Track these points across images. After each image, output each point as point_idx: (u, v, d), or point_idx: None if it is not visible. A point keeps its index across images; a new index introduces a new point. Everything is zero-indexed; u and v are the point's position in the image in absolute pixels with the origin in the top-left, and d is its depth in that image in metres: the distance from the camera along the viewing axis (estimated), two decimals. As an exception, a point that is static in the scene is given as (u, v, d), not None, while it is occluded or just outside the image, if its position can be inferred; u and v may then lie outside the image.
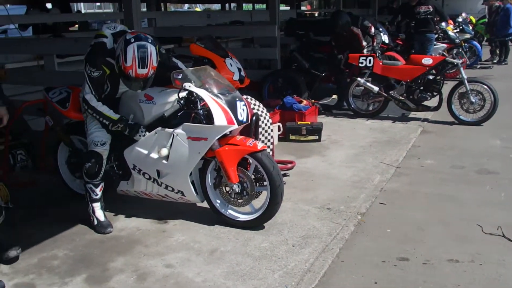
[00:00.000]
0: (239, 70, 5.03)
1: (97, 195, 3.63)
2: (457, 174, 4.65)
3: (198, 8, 28.64)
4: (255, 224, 3.53)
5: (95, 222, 3.59)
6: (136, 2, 4.21)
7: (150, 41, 3.29)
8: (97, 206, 3.64)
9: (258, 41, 9.70)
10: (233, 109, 3.38)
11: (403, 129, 6.23)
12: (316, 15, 18.91)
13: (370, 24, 7.37)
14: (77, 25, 10.27)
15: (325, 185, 4.35)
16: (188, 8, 29.88)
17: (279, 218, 3.61)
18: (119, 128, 3.42)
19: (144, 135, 3.47)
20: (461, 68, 6.42)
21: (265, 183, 3.42)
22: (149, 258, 3.19)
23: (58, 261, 3.18)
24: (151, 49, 3.26)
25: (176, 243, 3.39)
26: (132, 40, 3.24)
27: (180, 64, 3.89)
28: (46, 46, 5.18)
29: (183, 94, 3.36)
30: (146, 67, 3.24)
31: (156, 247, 3.34)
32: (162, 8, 17.01)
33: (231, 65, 4.97)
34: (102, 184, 3.66)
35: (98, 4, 21.26)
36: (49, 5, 8.10)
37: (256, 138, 4.44)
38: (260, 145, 3.40)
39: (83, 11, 20.01)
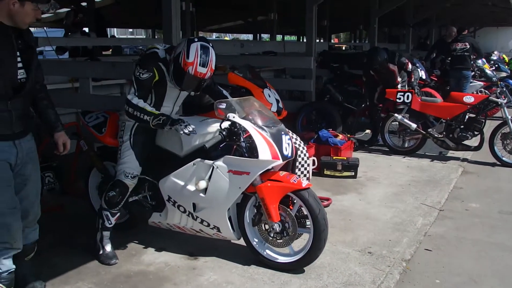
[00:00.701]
0: (277, 101, 4.87)
1: (111, 224, 3.48)
2: (508, 221, 4.34)
3: (227, 37, 28.97)
4: (293, 268, 3.29)
5: (101, 251, 3.44)
6: (176, 30, 4.11)
7: (211, 46, 3.26)
8: (107, 235, 3.49)
9: (290, 72, 9.61)
10: (278, 143, 3.19)
11: (442, 168, 5.94)
12: (344, 48, 18.86)
13: (407, 61, 7.18)
14: (110, 50, 10.35)
15: (364, 226, 4.10)
16: (216, 37, 30.26)
17: (317, 260, 3.35)
18: (160, 121, 3.17)
19: (188, 130, 3.13)
20: (505, 108, 6.16)
21: (307, 224, 3.20)
22: (179, 298, 2.98)
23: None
24: (213, 52, 3.25)
25: (207, 283, 3.17)
26: (196, 40, 3.24)
27: (224, 92, 3.78)
28: (82, 69, 5.11)
29: (225, 124, 3.18)
30: (206, 67, 3.19)
31: (186, 286, 3.12)
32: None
33: (269, 96, 4.82)
34: (119, 214, 3.51)
35: (130, 30, 21.66)
36: (86, 29, 8.15)
37: (293, 172, 4.26)
38: (305, 183, 3.19)
39: (116, 36, 20.38)
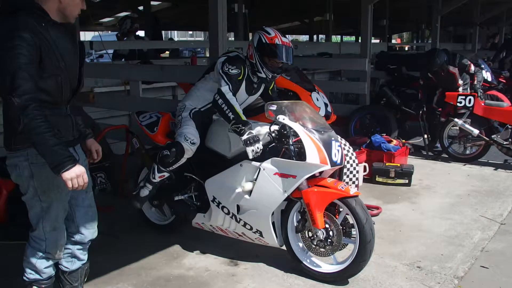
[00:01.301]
0: (326, 105, 4.74)
1: (154, 179, 3.55)
2: None
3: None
4: (335, 279, 3.16)
5: (134, 192, 3.60)
6: (222, 31, 4.08)
7: None
8: (148, 186, 3.60)
9: (346, 74, 9.39)
10: (328, 148, 3.09)
11: (507, 178, 5.55)
12: (407, 49, 18.25)
13: (469, 62, 6.78)
14: (167, 52, 10.53)
15: (415, 238, 3.88)
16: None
17: (361, 273, 3.19)
18: (238, 129, 3.15)
19: (256, 153, 3.09)
20: None
21: (353, 234, 3.07)
22: (216, 306, 2.92)
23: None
24: None
25: (245, 291, 3.10)
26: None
27: (275, 96, 3.86)
28: (132, 72, 5.21)
29: (275, 127, 3.16)
30: (287, 39, 3.48)
31: (224, 293, 3.07)
32: (249, 38, 17.25)
33: (318, 100, 4.69)
34: (166, 175, 3.56)
35: (190, 32, 22.03)
36: (142, 33, 8.33)
37: (340, 179, 4.12)
38: (353, 190, 3.08)
39: (176, 39, 20.80)
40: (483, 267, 3.43)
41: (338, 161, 3.15)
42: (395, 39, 29.01)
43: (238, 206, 3.34)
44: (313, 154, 3.02)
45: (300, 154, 3.08)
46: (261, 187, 3.19)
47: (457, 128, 6.23)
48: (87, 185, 2.48)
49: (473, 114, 6.12)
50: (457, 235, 3.92)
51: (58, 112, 2.36)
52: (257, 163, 3.20)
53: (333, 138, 3.20)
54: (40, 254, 2.50)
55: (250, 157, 3.09)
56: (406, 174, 5.20)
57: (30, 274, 2.53)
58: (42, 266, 2.53)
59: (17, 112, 2.13)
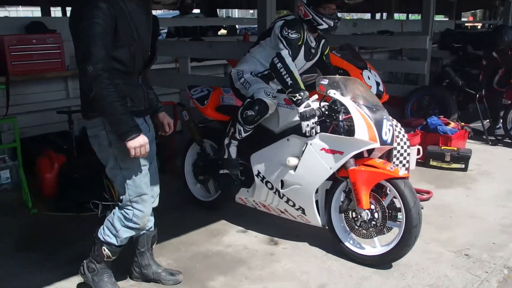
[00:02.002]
0: (377, 84, 4.56)
1: (241, 137, 3.44)
2: None
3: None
4: (376, 263, 3.07)
5: (225, 156, 3.55)
6: (271, 7, 4.01)
7: None
8: (235, 144, 3.52)
9: (407, 53, 9.00)
10: (379, 126, 2.98)
11: None
12: (479, 27, 17.23)
13: None
14: (225, 30, 10.53)
15: (466, 225, 3.69)
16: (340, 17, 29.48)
17: (404, 258, 3.07)
18: (294, 98, 3.04)
19: (311, 128, 3.03)
20: None
21: (399, 219, 2.97)
22: (251, 283, 2.92)
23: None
24: None
25: (282, 270, 3.07)
26: None
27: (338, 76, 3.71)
28: (181, 49, 5.24)
29: (325, 102, 3.08)
30: None
31: (260, 271, 3.06)
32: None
33: (369, 78, 4.52)
34: (250, 133, 3.44)
35: (251, 11, 21.98)
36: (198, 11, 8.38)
37: (389, 161, 3.97)
38: (402, 172, 2.97)
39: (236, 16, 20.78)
40: (537, 258, 3.22)
41: (389, 141, 3.04)
42: (466, 17, 27.51)
43: (282, 182, 3.31)
44: (363, 130, 2.93)
45: (350, 132, 2.99)
46: (307, 162, 3.14)
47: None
48: (153, 155, 2.63)
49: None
50: (511, 224, 3.69)
51: (130, 82, 2.45)
52: (304, 138, 3.15)
53: (385, 117, 3.08)
54: (126, 223, 2.59)
55: (304, 131, 3.04)
56: (462, 158, 4.94)
57: (107, 237, 2.62)
58: (124, 235, 2.62)
59: (89, 80, 2.24)
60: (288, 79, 3.11)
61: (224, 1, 11.38)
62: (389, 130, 3.06)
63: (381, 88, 4.55)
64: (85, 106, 2.46)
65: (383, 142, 2.99)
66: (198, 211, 3.97)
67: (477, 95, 6.15)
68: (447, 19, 15.15)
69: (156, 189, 2.78)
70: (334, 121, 3.06)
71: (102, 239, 2.63)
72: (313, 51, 3.60)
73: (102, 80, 2.23)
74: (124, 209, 2.58)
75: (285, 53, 3.22)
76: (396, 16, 13.97)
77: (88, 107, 2.43)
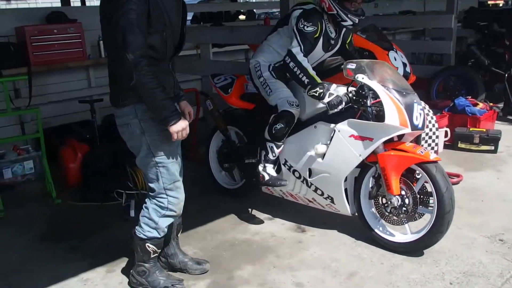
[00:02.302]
0: (404, 65, 4.43)
1: (275, 156, 3.36)
2: None
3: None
4: (407, 250, 3.00)
5: (266, 178, 3.37)
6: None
7: None
8: (270, 166, 3.39)
9: (430, 33, 8.77)
10: (410, 110, 2.88)
11: None
12: (501, 5, 16.74)
13: None
14: (243, 16, 10.40)
15: (499, 209, 3.58)
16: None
17: (436, 245, 2.98)
18: (316, 93, 3.00)
19: (337, 109, 2.98)
20: None
21: (431, 204, 2.87)
22: (279, 272, 2.87)
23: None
24: None
25: (311, 258, 3.02)
26: None
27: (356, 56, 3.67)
28: (202, 35, 5.17)
29: (352, 87, 2.98)
30: None
31: (288, 260, 3.01)
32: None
33: (395, 59, 4.40)
34: (283, 146, 3.37)
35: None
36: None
37: (418, 144, 3.87)
38: (433, 156, 2.86)
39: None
40: None
41: (420, 125, 2.94)
42: (489, -6, 26.78)
43: (310, 170, 3.24)
44: (393, 115, 2.83)
45: (379, 117, 2.90)
46: (335, 149, 3.07)
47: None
48: (178, 143, 2.61)
49: None
50: (547, 207, 3.57)
51: (162, 69, 2.42)
52: (332, 125, 3.08)
53: (415, 101, 2.97)
54: (163, 212, 2.57)
55: (331, 111, 2.98)
56: (492, 140, 4.79)
57: (148, 232, 2.60)
58: (164, 224, 2.60)
59: (130, 67, 2.20)
60: (304, 78, 3.07)
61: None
62: (420, 114, 2.96)
63: (408, 69, 4.43)
64: (116, 94, 2.43)
65: (414, 127, 2.89)
66: (223, 198, 3.93)
67: (506, 75, 5.95)
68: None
69: (181, 178, 2.73)
70: (362, 107, 2.97)
71: (144, 237, 2.60)
72: (332, 42, 3.46)
73: (142, 68, 2.21)
74: (157, 198, 2.56)
75: (296, 50, 3.13)
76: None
77: (119, 95, 2.41)
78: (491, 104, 5.49)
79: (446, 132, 4.81)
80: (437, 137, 4.29)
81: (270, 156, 3.37)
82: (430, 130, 4.23)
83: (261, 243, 3.23)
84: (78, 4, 11.76)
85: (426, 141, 4.20)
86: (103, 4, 2.34)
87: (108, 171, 4.04)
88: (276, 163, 3.42)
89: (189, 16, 7.95)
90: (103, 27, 2.36)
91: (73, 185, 4.26)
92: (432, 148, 4.22)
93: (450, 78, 6.34)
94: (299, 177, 3.31)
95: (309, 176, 3.25)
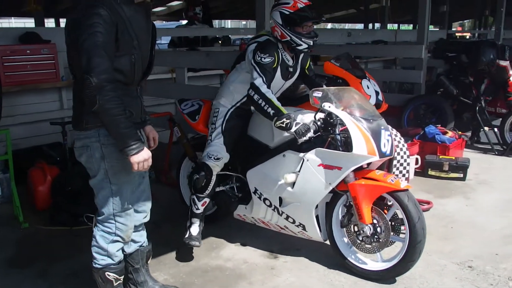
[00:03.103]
0: (377, 93, 4.51)
1: (198, 209, 3.40)
2: None
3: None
4: (380, 278, 3.01)
5: (186, 235, 3.37)
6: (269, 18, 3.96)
7: None
8: (195, 222, 3.41)
9: (402, 63, 9.00)
10: (377, 138, 2.90)
11: None
12: (468, 37, 17.35)
13: None
14: (220, 41, 10.49)
15: (468, 236, 3.64)
16: (331, 28, 29.61)
17: (407, 271, 3.01)
18: (283, 124, 2.97)
19: (305, 138, 2.97)
20: None
21: (402, 231, 2.90)
22: (252, 299, 2.85)
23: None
24: None
25: (283, 285, 3.00)
26: None
27: (324, 86, 3.60)
28: (178, 59, 5.19)
29: (320, 115, 2.98)
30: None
31: (261, 286, 2.98)
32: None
33: (368, 88, 4.47)
34: (207, 200, 3.41)
35: (243, 22, 21.99)
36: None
37: (389, 171, 3.92)
38: (403, 184, 2.88)
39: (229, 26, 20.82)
40: (542, 270, 3.17)
41: (388, 152, 2.97)
42: (455, 27, 27.74)
43: (280, 199, 3.22)
44: (361, 144, 2.85)
45: (347, 144, 2.91)
46: (305, 179, 3.05)
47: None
48: (146, 171, 2.52)
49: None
50: (514, 234, 3.65)
51: (129, 93, 2.36)
52: (301, 154, 3.07)
53: (382, 127, 3.00)
54: (111, 237, 2.51)
55: (299, 140, 2.97)
56: (461, 167, 4.91)
57: (102, 260, 2.53)
58: (114, 249, 2.53)
59: (93, 92, 2.13)
60: (269, 109, 3.04)
61: (220, 12, 11.35)
62: (388, 140, 2.98)
63: (380, 97, 4.51)
64: (79, 117, 2.36)
65: (382, 154, 2.91)
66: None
67: (477, 108, 6.14)
68: (437, 29, 15.24)
69: (149, 204, 2.71)
70: (331, 135, 2.97)
71: (99, 266, 2.54)
72: (291, 69, 3.46)
73: (106, 92, 2.14)
74: (105, 224, 2.50)
75: (258, 82, 3.11)
76: (389, 26, 14.01)
77: (82, 118, 2.33)
78: (460, 132, 5.64)
79: (417, 159, 4.91)
80: (408, 164, 4.37)
81: (194, 209, 3.38)
82: (402, 157, 4.31)
83: (233, 270, 3.20)
84: (53, 25, 11.68)
85: (397, 168, 4.27)
86: (69, 25, 2.28)
87: (78, 195, 3.96)
88: (201, 218, 3.42)
89: (166, 40, 7.98)
90: (69, 49, 2.29)
91: (42, 209, 4.16)
92: (404, 175, 4.29)
93: (421, 107, 6.51)
94: (270, 205, 3.29)
95: (280, 205, 3.23)
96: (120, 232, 2.51)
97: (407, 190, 2.89)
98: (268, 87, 3.15)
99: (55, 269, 3.22)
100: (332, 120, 2.94)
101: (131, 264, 2.75)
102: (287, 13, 3.19)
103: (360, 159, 2.88)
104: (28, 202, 4.21)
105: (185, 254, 3.40)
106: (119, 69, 2.26)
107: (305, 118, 3.15)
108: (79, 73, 2.20)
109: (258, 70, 3.15)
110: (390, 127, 4.06)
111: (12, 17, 18.96)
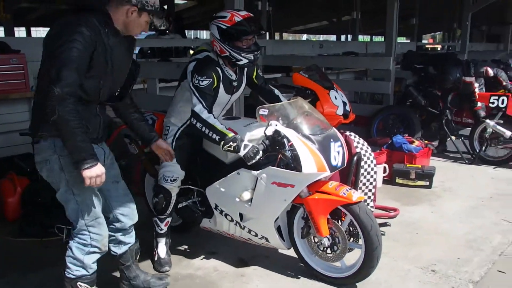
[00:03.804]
0: (344, 104, 4.62)
1: (162, 229, 3.43)
2: None
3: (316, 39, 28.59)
4: (345, 283, 3.09)
5: (155, 258, 3.40)
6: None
7: None
8: (161, 241, 3.43)
9: (372, 74, 9.23)
10: (326, 152, 2.92)
11: (534, 181, 5.35)
12: (439, 49, 17.84)
13: (484, 68, 6.67)
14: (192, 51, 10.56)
15: (432, 241, 3.76)
16: (307, 39, 30.00)
17: (373, 276, 3.08)
18: (231, 147, 2.88)
19: (255, 160, 2.90)
20: None
21: (360, 240, 2.97)
22: (221, 306, 2.89)
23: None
24: None
25: (253, 292, 3.06)
26: None
27: (276, 91, 3.62)
28: (149, 70, 5.24)
29: (269, 132, 2.93)
30: (243, 11, 3.17)
31: (230, 293, 3.03)
32: (278, 37, 17.13)
33: (336, 98, 4.58)
34: (169, 219, 3.44)
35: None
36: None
37: (357, 180, 4.02)
38: (355, 196, 2.91)
39: (205, 37, 20.90)
40: (500, 271, 3.30)
41: (339, 164, 2.99)
42: (427, 39, 28.43)
43: (240, 214, 3.23)
44: (309, 163, 2.83)
45: (298, 160, 2.87)
46: (260, 196, 3.05)
47: (490, 130, 5.99)
48: (117, 175, 2.65)
49: (507, 115, 5.91)
50: (475, 239, 3.79)
51: (88, 110, 2.41)
52: (255, 172, 3.05)
53: (331, 140, 3.00)
54: (87, 249, 2.53)
55: (250, 162, 2.91)
56: (427, 176, 5.06)
57: (76, 271, 2.55)
58: (90, 261, 2.56)
59: (54, 102, 2.18)
60: (214, 135, 2.94)
61: (192, 23, 11.43)
62: (338, 152, 2.98)
63: (347, 107, 4.62)
64: (36, 124, 2.41)
65: (333, 168, 2.93)
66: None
67: (444, 120, 6.34)
68: (408, 41, 15.64)
69: (133, 206, 2.78)
70: (280, 152, 2.94)
71: (72, 276, 2.56)
72: (235, 83, 3.32)
73: (67, 105, 2.19)
74: (79, 236, 2.53)
75: (198, 108, 2.98)
76: (361, 38, 14.31)
77: (39, 125, 2.38)
78: (426, 142, 5.81)
79: (384, 168, 5.04)
80: (375, 172, 4.47)
81: (158, 230, 3.42)
82: (369, 166, 4.41)
83: (204, 278, 3.24)
84: (24, 34, 11.57)
85: (364, 177, 4.37)
86: (49, 36, 2.33)
87: (48, 206, 3.94)
88: (167, 236, 3.45)
89: (136, 50, 7.97)
90: (43, 58, 2.34)
91: (12, 220, 4.12)
92: (371, 184, 4.39)
93: (389, 117, 6.68)
94: (232, 220, 3.29)
95: (241, 220, 3.24)
96: (95, 242, 2.54)
97: (360, 202, 2.91)
98: (210, 111, 3.03)
99: (25, 280, 3.21)
100: (280, 138, 2.88)
101: (122, 263, 2.84)
102: (224, 27, 3.06)
103: (311, 177, 2.89)
104: (-3, 213, 4.18)
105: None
106: (84, 88, 2.32)
107: (254, 134, 3.12)
108: (46, 83, 2.25)
109: (197, 94, 3.02)
110: (355, 135, 4.17)
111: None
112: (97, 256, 2.60)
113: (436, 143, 6.44)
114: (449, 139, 6.31)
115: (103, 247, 2.60)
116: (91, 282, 2.61)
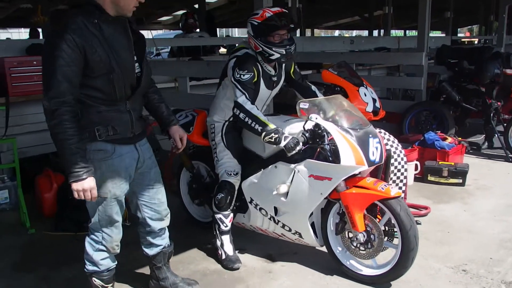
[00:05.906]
0: (374, 100, 4.58)
1: (226, 226, 3.45)
2: None
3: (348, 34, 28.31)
4: (375, 282, 3.07)
5: (223, 256, 3.40)
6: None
7: None
8: (226, 239, 3.45)
9: (405, 69, 9.07)
10: (365, 147, 2.93)
11: None
12: (476, 42, 17.39)
13: None
14: (224, 49, 10.63)
15: (464, 240, 3.70)
16: (339, 35, 29.71)
17: (402, 275, 3.08)
18: (272, 138, 2.96)
19: (295, 151, 2.96)
20: None
21: (396, 240, 2.94)
22: (248, 302, 2.92)
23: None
24: None
25: (280, 288, 3.08)
26: None
27: (313, 87, 3.69)
28: (180, 69, 5.30)
29: (309, 126, 3.00)
30: (276, 7, 3.26)
31: (257, 290, 3.06)
32: (310, 34, 17.04)
33: (365, 95, 4.55)
34: (232, 215, 3.47)
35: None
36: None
37: (386, 178, 3.97)
38: (394, 191, 2.90)
39: (237, 35, 20.99)
40: (535, 273, 3.22)
41: (377, 160, 3.00)
42: (463, 32, 27.74)
43: (275, 208, 3.27)
44: (348, 155, 2.87)
45: (336, 154, 2.92)
46: (297, 189, 3.09)
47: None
48: (153, 180, 2.64)
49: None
50: (510, 239, 3.70)
51: (115, 109, 2.38)
52: (292, 165, 3.10)
53: (370, 135, 3.02)
54: (97, 246, 2.60)
55: (290, 153, 2.97)
56: (460, 173, 4.96)
57: (89, 266, 2.64)
58: (99, 258, 2.62)
59: (45, 115, 2.22)
60: (256, 125, 3.01)
61: (223, 21, 11.49)
62: (377, 148, 2.99)
63: (377, 104, 4.58)
64: None
65: (371, 163, 2.94)
66: (196, 229, 3.98)
67: (491, 114, 6.19)
68: (443, 35, 15.29)
69: (163, 211, 2.79)
70: (320, 146, 2.99)
71: (87, 271, 2.66)
72: (275, 78, 3.43)
73: (56, 116, 2.17)
74: (93, 232, 2.60)
75: (242, 99, 3.09)
76: (393, 32, 14.09)
77: None
78: (460, 138, 5.69)
79: (416, 165, 4.96)
80: (405, 170, 4.42)
81: (223, 227, 3.44)
82: (399, 163, 4.36)
83: (232, 273, 3.28)
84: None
85: (395, 174, 4.32)
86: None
87: (82, 202, 4.04)
88: (230, 233, 3.47)
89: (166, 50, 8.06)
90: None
91: (48, 215, 4.27)
92: (401, 181, 4.34)
93: (422, 113, 6.56)
94: (266, 215, 3.34)
95: (276, 214, 3.27)
96: (105, 242, 2.59)
97: (398, 197, 2.91)
98: (253, 102, 3.14)
99: (58, 273, 3.32)
100: (320, 131, 2.95)
101: (154, 263, 2.91)
102: (256, 23, 3.19)
103: (349, 170, 2.91)
104: (35, 208, 4.33)
105: (185, 258, 3.49)
106: (98, 89, 2.29)
107: (294, 128, 3.16)
108: None
109: (239, 87, 3.13)
110: (385, 132, 4.13)
111: (22, 28, 19.26)
112: (106, 254, 2.64)
113: (472, 139, 6.27)
114: (496, 135, 6.13)
115: (112, 250, 2.64)
116: (106, 280, 2.67)
